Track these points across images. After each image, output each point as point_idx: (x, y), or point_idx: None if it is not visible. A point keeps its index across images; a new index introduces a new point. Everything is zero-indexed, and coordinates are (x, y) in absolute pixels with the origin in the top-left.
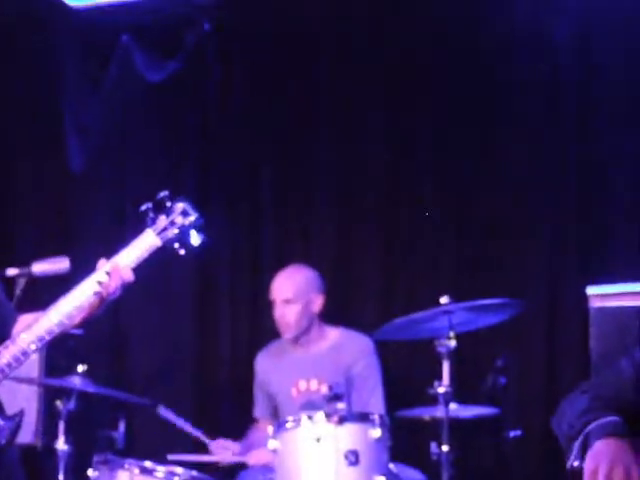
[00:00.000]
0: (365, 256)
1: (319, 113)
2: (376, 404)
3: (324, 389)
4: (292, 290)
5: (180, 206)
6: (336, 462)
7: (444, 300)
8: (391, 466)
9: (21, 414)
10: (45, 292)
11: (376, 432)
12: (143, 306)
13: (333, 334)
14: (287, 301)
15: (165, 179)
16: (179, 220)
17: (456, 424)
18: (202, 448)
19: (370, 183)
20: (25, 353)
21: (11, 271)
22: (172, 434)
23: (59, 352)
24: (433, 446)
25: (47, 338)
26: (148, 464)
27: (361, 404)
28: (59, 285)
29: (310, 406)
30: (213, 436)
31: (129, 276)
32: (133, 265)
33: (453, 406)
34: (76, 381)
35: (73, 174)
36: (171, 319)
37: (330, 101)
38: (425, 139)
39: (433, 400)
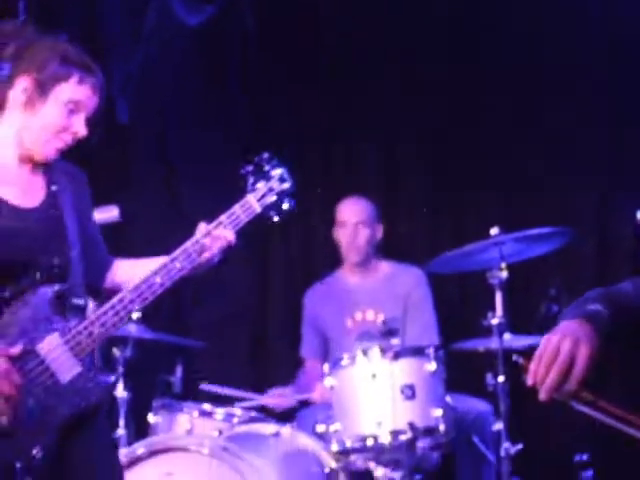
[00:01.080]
0: (413, 190)
1: (358, 51)
2: (431, 335)
3: (380, 320)
4: (365, 213)
5: (278, 172)
6: (392, 397)
7: (494, 231)
8: (448, 398)
9: (117, 372)
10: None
11: (431, 366)
12: None
13: (386, 266)
14: (360, 223)
15: (209, 126)
16: (277, 186)
17: (511, 354)
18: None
19: (419, 121)
20: (129, 312)
21: None
22: (228, 377)
23: None
24: (489, 377)
25: (150, 298)
26: (207, 407)
27: (416, 335)
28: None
29: (367, 337)
30: (269, 383)
31: (231, 240)
32: (234, 230)
33: (507, 336)
34: (132, 328)
35: (120, 125)
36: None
37: (369, 39)
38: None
39: (487, 331)
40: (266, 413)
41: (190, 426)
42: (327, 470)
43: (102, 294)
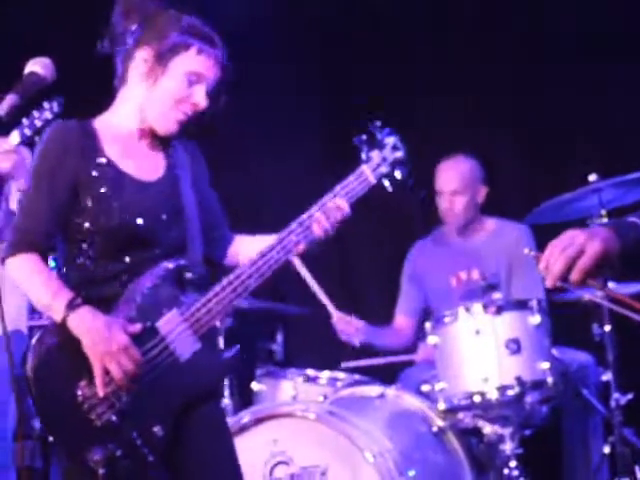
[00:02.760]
0: (506, 143)
1: None
2: (537, 291)
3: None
4: (459, 181)
5: (391, 140)
6: (497, 352)
7: (592, 178)
8: (554, 351)
9: (236, 350)
10: None
11: (535, 318)
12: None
13: (490, 224)
14: (455, 192)
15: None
16: (390, 156)
17: (618, 302)
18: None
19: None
20: (246, 288)
21: None
22: (329, 342)
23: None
24: (595, 327)
25: (267, 273)
26: (310, 372)
27: (522, 290)
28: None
29: (471, 296)
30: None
31: (345, 212)
32: (349, 202)
33: (611, 284)
34: None
35: None
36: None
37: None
38: None
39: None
40: (371, 374)
41: (295, 392)
42: (435, 429)
43: (223, 269)
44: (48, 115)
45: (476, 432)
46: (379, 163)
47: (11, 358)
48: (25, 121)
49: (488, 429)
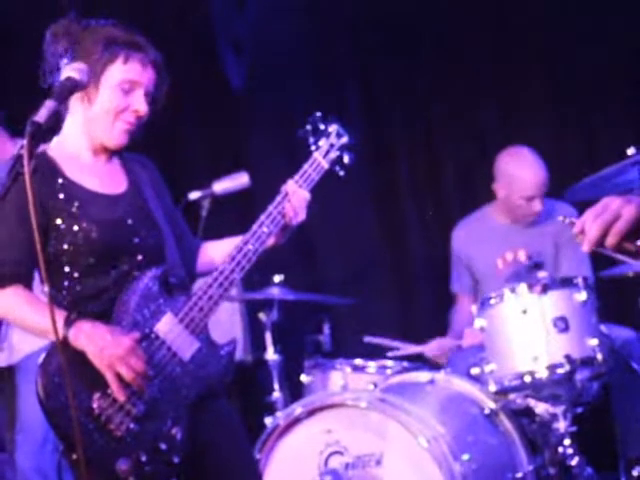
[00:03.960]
0: (536, 120)
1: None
2: (584, 268)
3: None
4: (542, 186)
5: (334, 128)
6: (545, 331)
7: (631, 151)
8: (602, 327)
9: (235, 340)
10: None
11: (581, 295)
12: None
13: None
14: (535, 197)
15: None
16: (336, 142)
17: None
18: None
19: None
20: (231, 282)
21: (193, 195)
22: (375, 330)
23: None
24: None
25: (247, 266)
26: (359, 362)
27: (568, 270)
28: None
29: (518, 277)
30: (417, 333)
31: (307, 198)
32: (308, 189)
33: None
34: (275, 291)
35: (235, 91)
36: (352, 217)
37: None
38: None
39: (636, 255)
40: (419, 361)
41: (344, 382)
42: (487, 411)
43: (195, 278)
44: None
45: (528, 412)
46: (328, 150)
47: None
48: None
49: (540, 409)
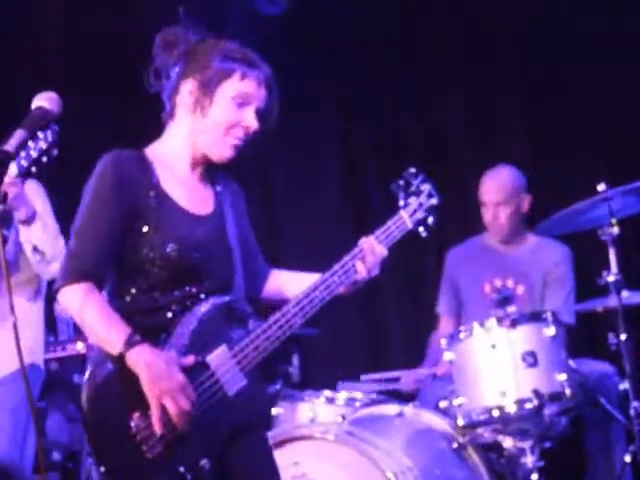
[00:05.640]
0: (510, 146)
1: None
2: (568, 311)
3: (521, 290)
4: (506, 191)
5: (426, 188)
6: (514, 366)
7: (601, 187)
8: (571, 362)
9: (279, 381)
10: None
11: (550, 330)
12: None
13: (533, 239)
14: (500, 204)
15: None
16: (426, 202)
17: (631, 311)
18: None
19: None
20: (291, 326)
21: None
22: (342, 362)
23: None
24: (611, 337)
25: (310, 313)
26: (328, 393)
27: (552, 306)
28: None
29: (503, 304)
30: (386, 364)
31: (384, 255)
32: (387, 246)
33: (625, 294)
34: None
35: None
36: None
37: None
38: None
39: (604, 290)
40: (393, 392)
41: (313, 414)
42: (455, 445)
43: (258, 303)
44: (43, 145)
45: (496, 446)
46: (416, 209)
47: (29, 391)
48: (22, 153)
49: (508, 443)
